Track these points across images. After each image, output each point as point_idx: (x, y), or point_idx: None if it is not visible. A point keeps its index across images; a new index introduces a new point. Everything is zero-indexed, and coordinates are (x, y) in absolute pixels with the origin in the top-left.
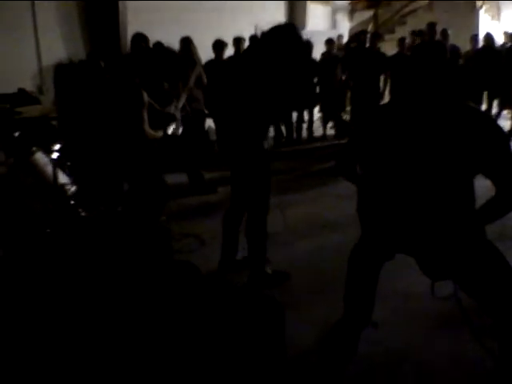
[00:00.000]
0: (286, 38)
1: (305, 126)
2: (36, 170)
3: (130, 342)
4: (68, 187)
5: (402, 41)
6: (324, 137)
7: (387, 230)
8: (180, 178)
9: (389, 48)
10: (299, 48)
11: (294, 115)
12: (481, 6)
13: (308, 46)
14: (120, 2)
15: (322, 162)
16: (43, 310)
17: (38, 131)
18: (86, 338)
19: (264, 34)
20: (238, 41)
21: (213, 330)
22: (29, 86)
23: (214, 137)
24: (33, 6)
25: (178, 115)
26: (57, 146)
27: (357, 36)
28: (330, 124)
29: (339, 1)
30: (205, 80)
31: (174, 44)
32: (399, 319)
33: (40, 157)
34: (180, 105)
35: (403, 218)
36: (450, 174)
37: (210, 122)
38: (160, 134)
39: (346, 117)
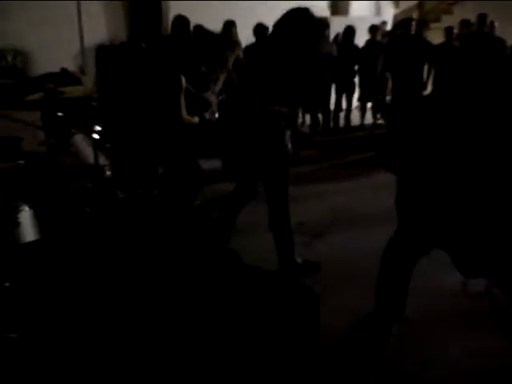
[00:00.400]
0: (294, 23)
1: (342, 114)
2: (76, 150)
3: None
4: (107, 169)
5: (449, 30)
6: (362, 126)
7: (425, 223)
8: (215, 163)
9: (434, 37)
10: (305, 33)
11: (332, 103)
12: None
13: (317, 30)
14: None
15: (359, 152)
16: (82, 293)
17: (80, 112)
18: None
19: (278, 20)
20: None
21: (251, 317)
22: (71, 66)
23: None
24: None
25: (215, 100)
26: (97, 128)
27: (402, 23)
28: (368, 108)
29: None
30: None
31: (217, 28)
32: (431, 316)
33: (81, 138)
34: (217, 89)
35: (442, 213)
36: (493, 172)
37: None
38: (196, 119)
39: (388, 99)
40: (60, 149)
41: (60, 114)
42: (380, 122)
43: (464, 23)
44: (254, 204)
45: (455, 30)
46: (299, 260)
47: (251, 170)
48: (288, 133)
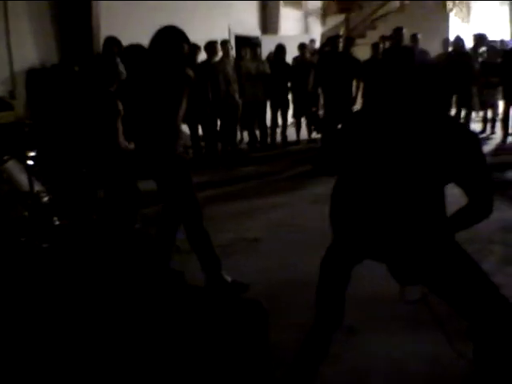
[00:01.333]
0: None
1: (279, 130)
2: (10, 177)
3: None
4: (43, 195)
5: (375, 45)
6: (298, 142)
7: (358, 234)
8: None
9: (360, 52)
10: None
11: (268, 120)
12: (451, 9)
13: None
14: (93, 3)
15: (296, 166)
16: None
17: (12, 138)
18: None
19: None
20: (211, 45)
21: (198, 335)
22: (0, 91)
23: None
24: (5, 8)
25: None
26: (32, 153)
27: (330, 40)
28: (303, 124)
29: (312, 2)
30: None
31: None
32: (373, 323)
33: (14, 164)
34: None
35: (375, 223)
36: (422, 181)
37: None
38: (132, 146)
39: (320, 112)
40: None
41: None
42: (314, 136)
43: (384, 38)
44: None
45: (381, 45)
46: (228, 278)
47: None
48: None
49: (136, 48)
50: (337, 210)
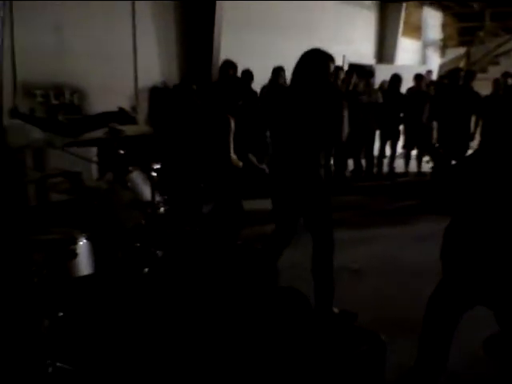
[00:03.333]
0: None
1: (386, 161)
2: (134, 187)
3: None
4: (161, 205)
5: (497, 81)
6: (406, 173)
7: (472, 276)
8: (259, 204)
9: (480, 87)
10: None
11: (376, 149)
12: None
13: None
14: (216, 28)
15: (401, 199)
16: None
17: (138, 150)
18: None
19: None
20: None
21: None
22: (124, 104)
23: None
24: (133, 27)
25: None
26: (156, 166)
27: (450, 73)
28: (413, 156)
29: (432, 32)
30: None
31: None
32: (475, 370)
33: (137, 175)
34: None
35: (488, 269)
36: None
37: None
38: (241, 164)
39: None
40: (118, 184)
41: (121, 151)
42: (425, 169)
43: (507, 75)
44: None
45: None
46: (336, 310)
47: (294, 210)
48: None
49: (249, 73)
50: (451, 249)
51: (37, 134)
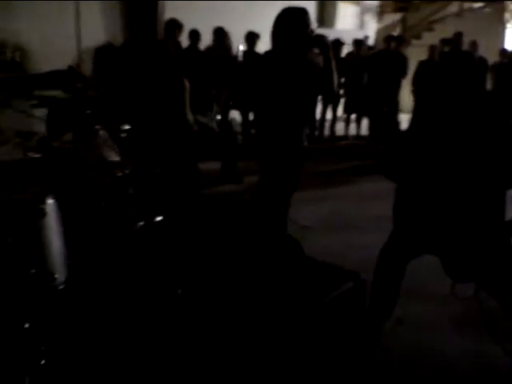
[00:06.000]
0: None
1: (327, 124)
2: (99, 147)
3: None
4: (125, 166)
5: (432, 48)
6: (346, 137)
7: (419, 229)
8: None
9: (415, 53)
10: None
11: (318, 114)
12: (508, 20)
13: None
14: None
15: (343, 161)
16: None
17: (103, 110)
18: None
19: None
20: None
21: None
22: (66, 64)
23: (238, 128)
24: None
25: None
26: (125, 127)
27: (384, 39)
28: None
29: (368, 1)
30: None
31: (207, 32)
32: (422, 318)
33: (103, 134)
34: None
35: (435, 220)
36: (483, 183)
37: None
38: (196, 126)
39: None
40: (82, 144)
41: (88, 111)
42: (364, 133)
43: (444, 41)
44: None
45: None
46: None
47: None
48: (306, 130)
49: (196, 33)
50: (401, 205)
51: None
